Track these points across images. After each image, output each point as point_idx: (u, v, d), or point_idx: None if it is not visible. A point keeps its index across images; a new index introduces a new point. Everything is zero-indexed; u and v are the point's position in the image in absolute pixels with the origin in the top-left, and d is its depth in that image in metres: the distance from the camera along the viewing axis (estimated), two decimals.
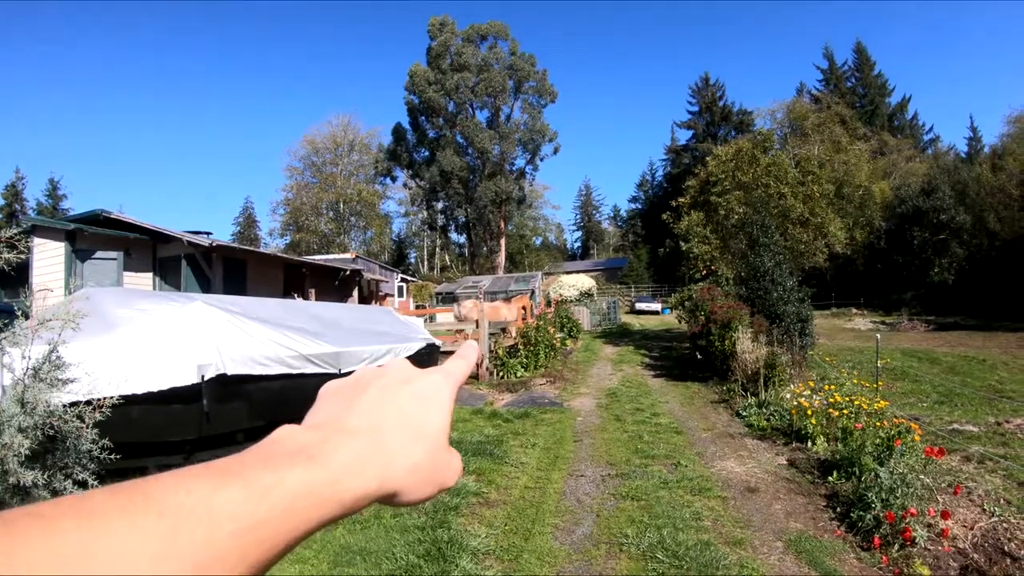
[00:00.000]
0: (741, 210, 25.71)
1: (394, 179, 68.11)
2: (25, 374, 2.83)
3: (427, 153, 60.26)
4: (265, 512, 0.42)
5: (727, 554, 5.07)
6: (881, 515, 5.28)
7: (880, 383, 9.86)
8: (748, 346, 12.57)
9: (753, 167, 27.04)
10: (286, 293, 21.16)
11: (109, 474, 3.41)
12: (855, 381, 9.94)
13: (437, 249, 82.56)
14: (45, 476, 2.67)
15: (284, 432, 0.50)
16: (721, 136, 69.07)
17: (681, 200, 30.66)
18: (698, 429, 10.05)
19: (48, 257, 17.17)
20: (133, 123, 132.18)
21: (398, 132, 62.02)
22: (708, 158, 30.72)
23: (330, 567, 4.83)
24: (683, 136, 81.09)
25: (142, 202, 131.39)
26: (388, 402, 0.56)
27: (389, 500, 0.52)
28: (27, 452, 2.57)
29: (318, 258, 33.04)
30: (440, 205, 64.92)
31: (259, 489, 0.43)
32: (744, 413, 10.66)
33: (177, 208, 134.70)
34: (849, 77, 72.90)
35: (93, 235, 17.87)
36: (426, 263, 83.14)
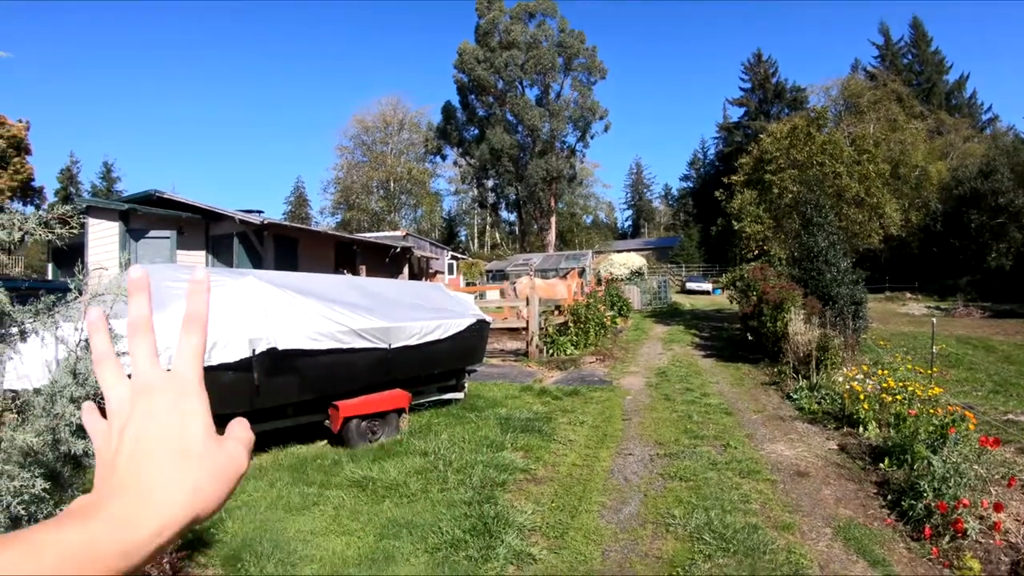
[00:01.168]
0: (795, 189, 25.21)
1: (444, 157, 68.31)
2: (78, 346, 2.89)
3: (477, 131, 60.13)
4: (34, 568, 0.44)
5: (775, 538, 4.99)
6: (933, 505, 5.14)
7: (935, 369, 9.54)
8: (800, 328, 12.33)
9: (808, 145, 26.43)
10: (337, 270, 21.40)
11: None
12: (909, 367, 9.68)
13: (487, 227, 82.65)
14: None
15: (78, 499, 0.54)
16: (774, 114, 67.43)
17: (734, 178, 30.20)
18: (748, 411, 9.92)
19: (102, 237, 17.66)
20: (186, 107, 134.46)
21: (447, 110, 62.02)
22: (762, 135, 30.17)
23: (376, 539, 4.88)
24: (735, 113, 79.61)
25: (195, 183, 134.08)
26: (150, 431, 0.57)
27: (192, 527, 0.55)
28: (78, 422, 2.63)
29: (369, 236, 33.34)
30: (490, 183, 64.91)
31: (32, 548, 0.45)
32: (795, 396, 10.49)
33: (229, 188, 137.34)
34: (905, 53, 70.26)
35: (146, 215, 18.32)
36: (476, 241, 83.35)
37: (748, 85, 76.78)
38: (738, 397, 11.06)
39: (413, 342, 8.23)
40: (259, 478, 6.22)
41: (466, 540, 4.84)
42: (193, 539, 4.71)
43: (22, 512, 2.30)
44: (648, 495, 6.04)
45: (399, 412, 8.04)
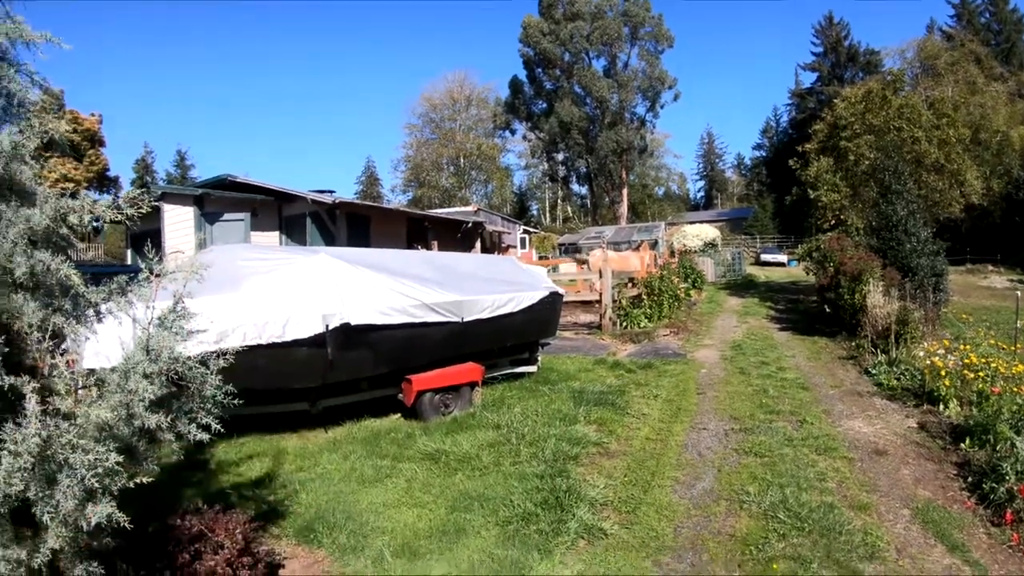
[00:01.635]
0: (872, 155, 24.19)
1: (513, 132, 68.18)
2: (150, 323, 2.96)
3: (545, 105, 59.81)
4: None
5: (851, 519, 4.83)
6: (1015, 489, 4.92)
7: (1019, 346, 9.05)
8: (879, 300, 11.91)
9: (884, 109, 25.28)
10: (409, 247, 21.62)
11: (234, 419, 3.56)
12: (992, 342, 9.23)
13: (559, 200, 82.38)
14: (169, 419, 2.80)
15: None
16: (848, 78, 64.04)
17: (808, 146, 29.14)
18: (825, 385, 9.66)
19: (178, 221, 18.33)
20: (255, 91, 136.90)
21: (515, 85, 61.76)
22: (837, 100, 29.00)
23: (448, 512, 4.91)
24: (807, 79, 76.09)
25: (267, 166, 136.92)
26: None
27: None
28: (152, 397, 2.69)
29: (440, 212, 33.58)
30: (560, 156, 64.56)
31: None
32: (873, 371, 10.17)
33: (301, 170, 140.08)
34: (983, 12, 65.53)
35: (220, 198, 18.91)
36: (548, 214, 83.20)
37: (820, 49, 73.33)
38: (815, 371, 10.75)
39: (485, 315, 8.21)
40: (333, 451, 6.34)
41: (537, 513, 4.82)
42: (268, 511, 4.84)
43: (96, 485, 2.37)
44: (722, 471, 5.93)
45: (472, 385, 8.07)
